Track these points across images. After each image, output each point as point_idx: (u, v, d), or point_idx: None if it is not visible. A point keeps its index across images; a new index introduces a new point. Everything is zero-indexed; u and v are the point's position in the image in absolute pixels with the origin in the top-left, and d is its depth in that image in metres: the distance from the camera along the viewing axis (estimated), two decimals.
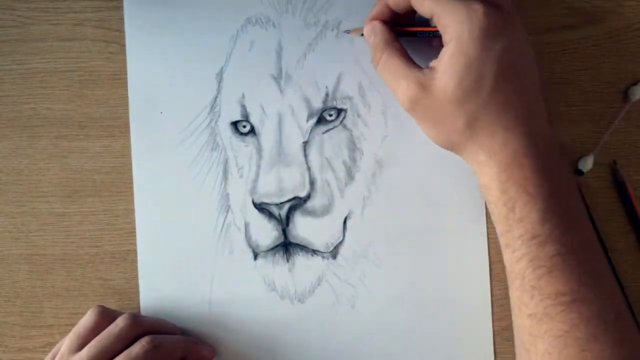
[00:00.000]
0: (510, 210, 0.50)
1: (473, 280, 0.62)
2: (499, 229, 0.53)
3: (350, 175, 0.62)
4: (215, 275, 0.62)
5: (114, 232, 0.63)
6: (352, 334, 0.62)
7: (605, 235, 0.61)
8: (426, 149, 0.60)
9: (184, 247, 0.62)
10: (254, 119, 0.62)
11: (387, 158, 0.62)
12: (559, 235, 0.49)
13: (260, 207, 0.62)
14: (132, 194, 0.63)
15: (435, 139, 0.55)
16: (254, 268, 0.62)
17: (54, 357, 0.57)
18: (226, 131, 0.62)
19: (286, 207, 0.61)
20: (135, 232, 0.63)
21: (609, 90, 0.63)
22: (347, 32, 0.62)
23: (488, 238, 0.61)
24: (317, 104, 0.62)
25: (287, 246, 0.62)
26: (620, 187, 0.62)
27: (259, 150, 0.62)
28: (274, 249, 0.62)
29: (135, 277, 0.62)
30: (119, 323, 0.56)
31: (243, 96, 0.62)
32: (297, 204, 0.61)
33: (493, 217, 0.53)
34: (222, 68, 0.62)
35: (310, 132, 0.62)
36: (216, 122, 0.62)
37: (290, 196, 0.61)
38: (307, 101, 0.62)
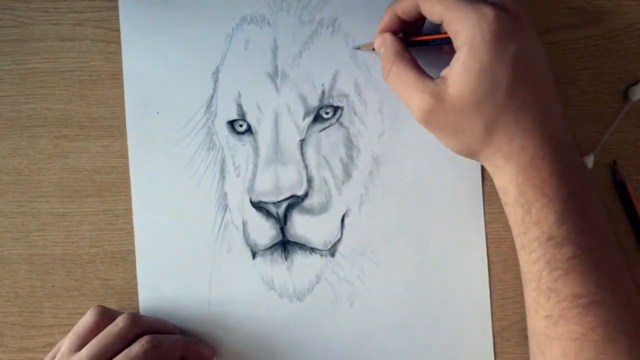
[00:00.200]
0: (527, 212, 0.50)
1: (472, 279, 0.62)
2: (515, 230, 0.52)
3: (347, 173, 0.62)
4: (213, 274, 0.62)
5: (114, 232, 0.63)
6: (351, 331, 0.62)
7: None
8: (423, 146, 0.61)
9: (183, 247, 0.62)
10: (250, 118, 0.62)
11: (384, 155, 0.62)
12: (576, 237, 0.49)
13: (258, 206, 0.62)
14: (131, 194, 0.63)
15: (452, 147, 0.55)
16: (252, 267, 0.62)
17: (54, 357, 0.57)
18: (223, 130, 0.62)
19: (284, 205, 0.61)
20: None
21: (609, 90, 0.63)
22: (357, 48, 0.62)
23: (486, 236, 0.61)
24: (314, 102, 0.62)
25: (285, 245, 0.62)
26: (620, 187, 0.62)
27: (256, 149, 0.62)
28: (272, 247, 0.62)
29: (135, 277, 0.62)
30: (119, 323, 0.57)
31: (239, 95, 0.62)
32: (295, 202, 0.61)
33: (509, 219, 0.53)
34: (217, 67, 0.62)
35: (307, 130, 0.62)
36: (212, 121, 0.62)
37: (288, 194, 0.61)
38: (304, 99, 0.62)
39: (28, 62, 0.63)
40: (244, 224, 0.62)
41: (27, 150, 0.63)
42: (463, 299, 0.62)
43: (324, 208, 0.62)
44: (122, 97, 0.63)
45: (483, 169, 0.61)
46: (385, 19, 0.57)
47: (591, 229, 0.50)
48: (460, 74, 0.50)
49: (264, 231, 0.62)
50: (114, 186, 0.63)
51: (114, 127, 0.63)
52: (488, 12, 0.49)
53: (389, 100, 0.62)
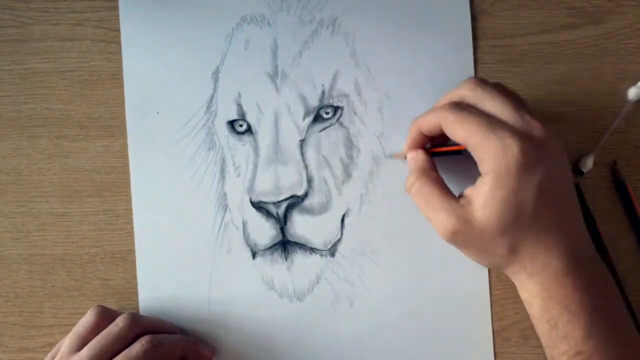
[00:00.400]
0: (553, 327, 0.50)
1: (472, 279, 0.62)
2: (543, 341, 0.52)
3: (347, 173, 0.62)
4: (213, 274, 0.62)
5: (114, 232, 0.63)
6: (351, 331, 0.62)
7: (605, 235, 0.61)
8: None
9: (182, 247, 0.62)
10: (250, 118, 0.62)
11: (384, 155, 0.62)
12: (605, 350, 0.49)
13: (258, 206, 0.62)
14: (131, 194, 0.63)
15: (477, 262, 0.55)
16: (252, 267, 0.62)
17: (54, 357, 0.56)
18: (223, 130, 0.62)
19: (284, 205, 0.61)
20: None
21: (609, 90, 0.63)
22: (390, 156, 0.62)
23: None
24: (314, 102, 0.62)
25: (285, 245, 0.62)
26: (620, 187, 0.62)
27: (256, 149, 0.62)
28: (272, 247, 0.62)
29: (135, 277, 0.62)
30: (119, 323, 0.56)
31: (239, 95, 0.62)
32: (295, 202, 0.61)
33: (537, 330, 0.53)
34: (217, 67, 0.63)
35: (307, 130, 0.62)
36: (212, 121, 0.63)
37: (288, 194, 0.61)
38: (304, 99, 0.62)
39: (28, 62, 0.63)
40: (244, 224, 0.62)
41: (27, 150, 0.63)
42: (463, 299, 0.62)
43: (324, 208, 0.62)
44: (122, 97, 0.63)
45: None
46: (412, 134, 0.57)
47: (618, 341, 0.50)
48: (486, 200, 0.49)
49: (264, 231, 0.62)
50: (114, 186, 0.63)
51: (114, 127, 0.63)
52: (511, 143, 0.48)
53: (388, 100, 0.62)
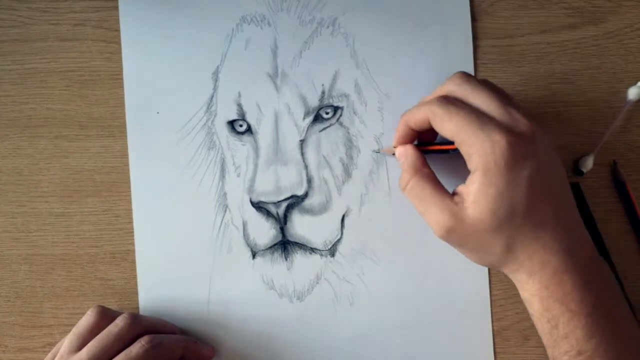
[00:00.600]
0: (554, 327, 0.50)
1: (472, 279, 0.62)
2: (545, 341, 0.52)
3: (347, 173, 0.62)
4: (213, 274, 0.62)
5: (114, 232, 0.63)
6: (351, 331, 0.62)
7: (605, 235, 0.61)
8: None
9: (182, 247, 0.62)
10: (250, 118, 0.62)
11: (383, 155, 0.62)
12: (606, 349, 0.49)
13: (258, 206, 0.62)
14: (131, 194, 0.63)
15: (474, 261, 0.54)
16: (252, 267, 0.62)
17: (54, 357, 0.57)
18: (223, 130, 0.62)
19: (284, 205, 0.61)
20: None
21: (609, 90, 0.63)
22: (377, 151, 0.62)
23: None
24: (314, 102, 0.62)
25: (285, 245, 0.62)
26: (620, 187, 0.62)
27: (256, 149, 0.62)
28: (272, 247, 0.62)
29: (135, 277, 0.62)
30: (119, 323, 0.57)
31: (239, 95, 0.62)
32: (295, 202, 0.61)
33: (538, 329, 0.53)
34: (217, 67, 0.63)
35: (307, 130, 0.62)
36: (213, 121, 0.63)
37: (288, 194, 0.61)
38: (304, 99, 0.62)
39: (28, 62, 0.63)
40: (244, 224, 0.62)
41: (27, 150, 0.63)
42: (463, 299, 0.62)
43: (324, 208, 0.62)
44: (122, 97, 0.63)
45: None
46: (400, 130, 0.57)
47: (620, 339, 0.50)
48: (477, 197, 0.49)
49: (264, 231, 0.62)
50: (114, 186, 0.63)
51: (114, 127, 0.63)
52: (500, 139, 0.48)
53: (388, 100, 0.62)
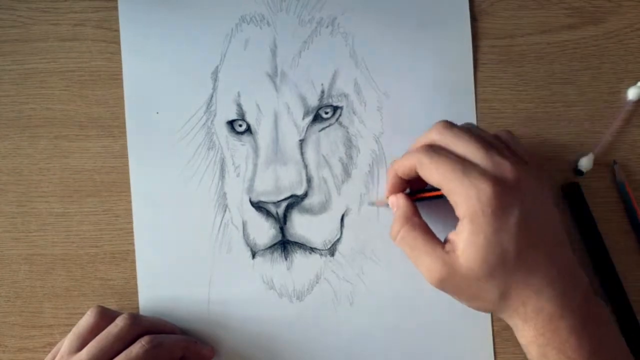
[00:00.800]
0: None
1: None
2: None
3: (347, 173, 0.62)
4: (213, 274, 0.62)
5: (114, 232, 0.63)
6: (351, 331, 0.62)
7: (605, 236, 0.61)
8: None
9: (182, 247, 0.62)
10: (249, 118, 0.62)
11: (383, 155, 0.62)
12: None
13: (258, 206, 0.62)
14: (131, 194, 0.63)
15: (472, 307, 0.53)
16: (252, 267, 0.62)
17: (54, 357, 0.57)
18: (222, 130, 0.63)
19: (283, 205, 0.61)
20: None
21: (609, 90, 0.63)
22: (372, 204, 0.62)
23: None
24: (313, 102, 0.62)
25: (285, 244, 0.62)
26: (620, 187, 0.62)
27: (256, 148, 0.62)
28: (272, 247, 0.62)
29: (135, 277, 0.62)
30: (119, 323, 0.56)
31: (239, 95, 0.62)
32: (295, 202, 0.61)
33: None
34: (217, 67, 0.63)
35: (307, 130, 0.62)
36: (212, 121, 0.63)
37: (288, 194, 0.61)
38: (303, 99, 0.62)
39: (28, 62, 0.63)
40: (244, 223, 0.62)
41: (27, 150, 0.63)
42: None
43: (323, 207, 0.62)
44: (122, 97, 0.63)
45: None
46: (390, 179, 0.57)
47: None
48: (467, 246, 0.49)
49: (264, 231, 0.62)
50: (114, 186, 0.63)
51: (113, 127, 0.63)
52: (485, 187, 0.48)
53: (388, 100, 0.62)
